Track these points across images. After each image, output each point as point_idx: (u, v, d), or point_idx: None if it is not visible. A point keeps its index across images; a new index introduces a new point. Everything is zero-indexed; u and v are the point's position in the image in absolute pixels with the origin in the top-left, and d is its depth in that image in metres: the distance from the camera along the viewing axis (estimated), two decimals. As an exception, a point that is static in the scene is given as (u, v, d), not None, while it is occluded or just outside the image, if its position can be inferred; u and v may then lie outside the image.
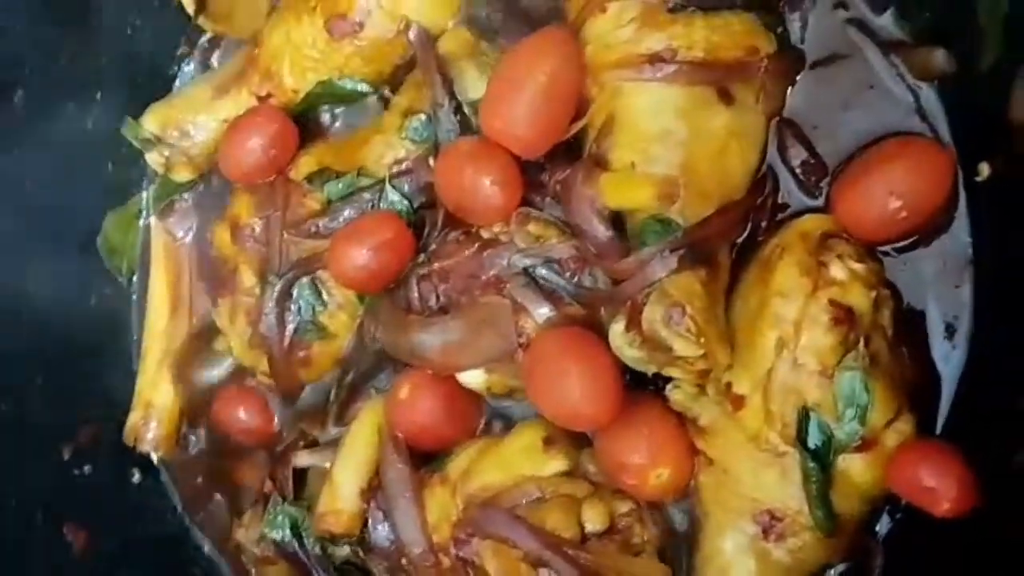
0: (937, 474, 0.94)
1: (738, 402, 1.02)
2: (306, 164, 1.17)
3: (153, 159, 1.28)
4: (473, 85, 1.13)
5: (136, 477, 1.32)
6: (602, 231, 1.02)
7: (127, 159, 1.33)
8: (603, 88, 1.07)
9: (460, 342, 1.06)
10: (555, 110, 1.04)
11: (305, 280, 1.16)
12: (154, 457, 1.32)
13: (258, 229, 1.18)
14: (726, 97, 1.05)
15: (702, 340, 0.97)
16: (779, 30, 1.09)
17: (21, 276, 1.22)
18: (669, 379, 1.05)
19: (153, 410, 1.29)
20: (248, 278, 1.19)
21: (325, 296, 1.16)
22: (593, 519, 1.03)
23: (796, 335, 0.98)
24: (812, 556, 1.02)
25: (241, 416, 1.24)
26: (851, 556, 1.05)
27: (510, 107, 1.03)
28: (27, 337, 1.23)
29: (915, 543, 1.05)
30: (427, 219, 1.11)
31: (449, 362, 1.07)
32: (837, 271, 0.99)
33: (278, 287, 1.16)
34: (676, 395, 1.06)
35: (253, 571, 1.24)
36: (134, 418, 1.29)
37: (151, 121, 1.27)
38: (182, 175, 1.28)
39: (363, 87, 1.21)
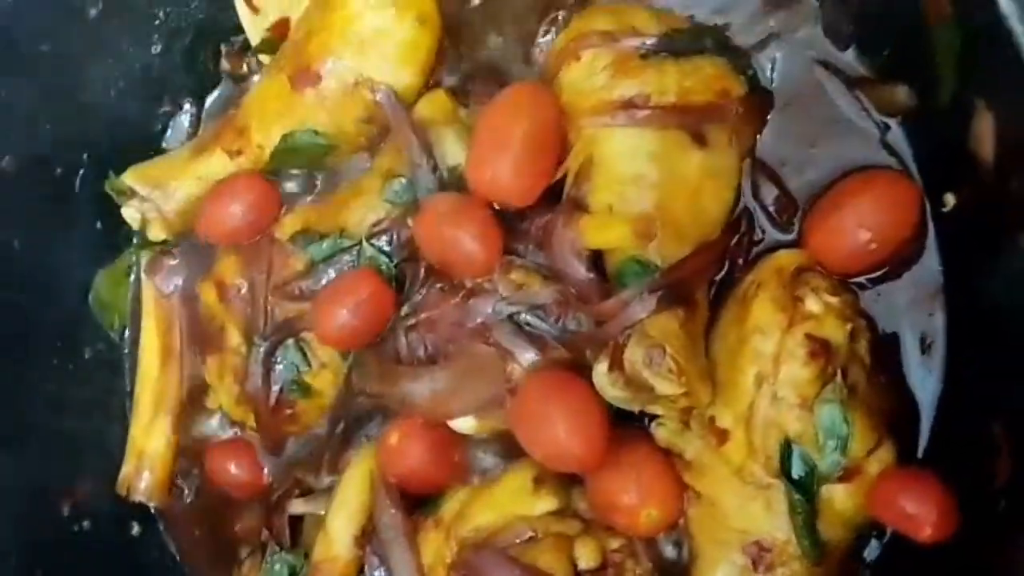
0: (917, 501, 0.96)
1: (722, 436, 1.04)
2: (291, 224, 1.19)
3: (129, 214, 1.30)
4: (451, 151, 1.16)
5: (135, 530, 1.33)
6: (583, 272, 1.05)
7: (116, 218, 1.34)
8: (580, 134, 1.10)
9: (449, 390, 1.07)
10: (541, 157, 1.07)
11: (290, 342, 1.18)
12: (151, 506, 1.32)
13: (243, 290, 1.20)
14: (699, 140, 1.08)
15: (683, 379, 0.99)
16: (749, 72, 1.12)
17: (17, 332, 1.24)
18: (655, 416, 1.08)
19: (146, 459, 1.29)
20: (235, 337, 1.21)
21: (310, 356, 1.18)
22: (586, 556, 1.05)
23: (775, 369, 1.00)
24: None
25: (232, 469, 1.25)
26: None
27: (496, 160, 1.05)
28: (23, 391, 1.24)
29: (901, 569, 1.07)
30: (408, 272, 1.12)
31: (439, 410, 1.09)
32: (812, 304, 1.02)
33: (263, 349, 1.17)
34: (661, 432, 1.08)
35: (252, 617, 1.25)
36: (127, 468, 1.30)
37: (131, 177, 1.29)
38: (156, 233, 1.30)
39: (321, 140, 1.22)
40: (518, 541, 1.06)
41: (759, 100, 1.12)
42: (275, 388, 1.18)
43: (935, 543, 0.96)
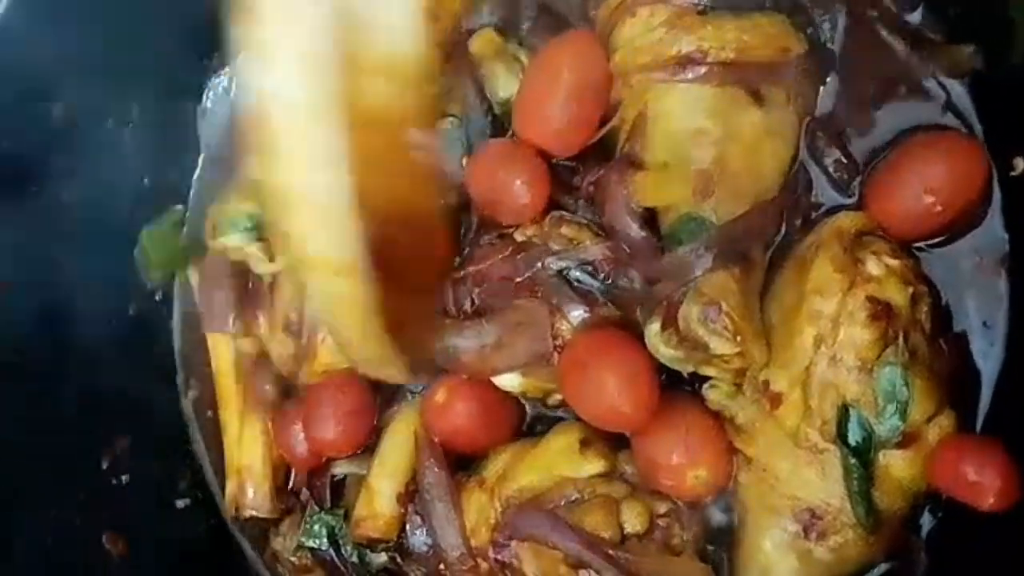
0: (981, 468, 0.93)
1: (776, 400, 1.01)
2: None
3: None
4: (503, 84, 1.15)
5: (180, 486, 1.32)
6: (636, 230, 1.04)
7: (163, 174, 1.34)
8: (633, 90, 1.08)
9: (495, 345, 1.06)
10: (585, 108, 1.07)
11: None
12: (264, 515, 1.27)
13: None
14: (757, 97, 1.06)
15: (738, 338, 0.97)
16: (809, 30, 1.09)
17: (59, 285, 1.23)
18: (705, 378, 1.06)
19: (246, 473, 1.26)
20: (287, 290, 1.21)
21: None
22: (632, 520, 1.03)
23: (834, 331, 0.98)
24: (854, 554, 1.01)
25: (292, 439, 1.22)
26: (894, 555, 1.04)
27: (541, 107, 1.06)
28: (65, 346, 1.23)
29: (958, 542, 1.04)
30: (462, 222, 1.12)
31: (485, 366, 1.07)
32: (873, 267, 0.99)
33: None
34: (712, 394, 1.06)
35: (289, 580, 1.24)
36: (230, 487, 1.26)
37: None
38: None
39: None
40: (563, 503, 1.05)
41: (819, 58, 1.09)
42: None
43: (996, 512, 0.93)
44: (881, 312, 0.97)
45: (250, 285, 1.28)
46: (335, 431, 1.15)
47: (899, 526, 1.02)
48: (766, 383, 1.02)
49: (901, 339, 0.97)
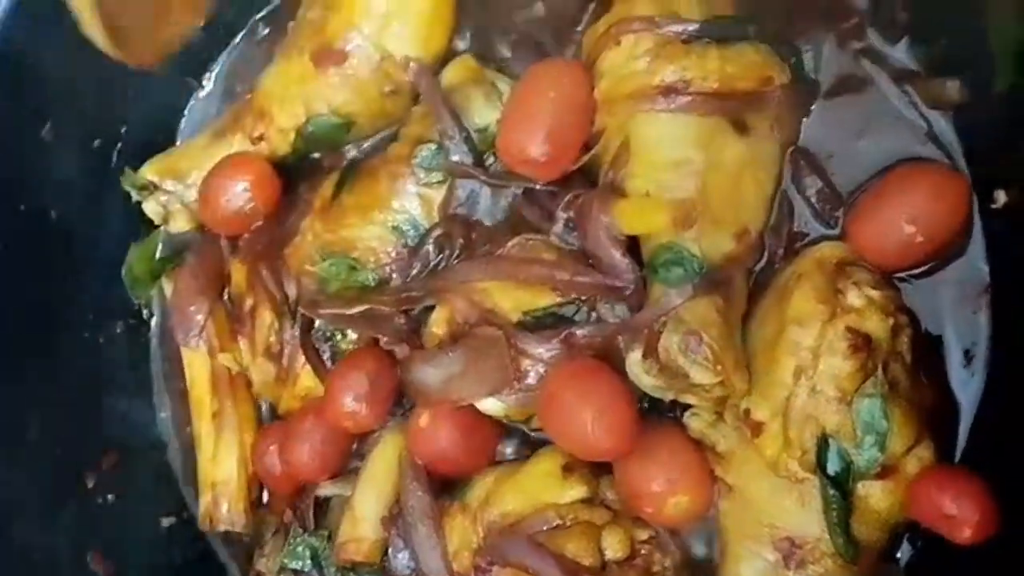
0: (958, 501, 0.94)
1: (756, 428, 1.02)
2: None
3: (151, 208, 1.28)
4: (480, 112, 1.15)
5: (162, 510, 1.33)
6: (618, 258, 1.04)
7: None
8: (617, 118, 1.08)
9: (461, 374, 1.06)
10: (568, 132, 1.07)
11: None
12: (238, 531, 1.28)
13: (268, 271, 1.21)
14: (740, 127, 1.06)
15: (719, 367, 0.97)
16: (792, 60, 1.10)
17: (50, 303, 1.24)
18: (687, 406, 1.06)
19: (220, 487, 1.26)
20: (267, 316, 1.21)
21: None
22: (613, 546, 1.04)
23: (814, 362, 0.99)
24: None
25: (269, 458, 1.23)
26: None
27: (523, 130, 1.06)
28: (52, 364, 1.24)
29: (936, 571, 1.05)
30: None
31: (452, 395, 1.07)
32: (854, 298, 1.00)
33: (299, 325, 1.18)
34: (694, 423, 1.06)
35: (272, 599, 1.24)
36: (204, 501, 1.27)
37: (149, 170, 1.27)
38: (179, 225, 1.29)
39: (339, 121, 1.21)
40: (545, 528, 1.05)
41: (803, 89, 1.11)
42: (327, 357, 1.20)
43: (973, 545, 0.94)
44: (861, 343, 0.98)
45: (229, 304, 1.29)
46: (310, 457, 1.16)
47: (878, 556, 1.03)
48: (747, 411, 1.03)
49: (881, 371, 0.98)
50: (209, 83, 1.37)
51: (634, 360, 1.01)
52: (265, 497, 1.30)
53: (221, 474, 1.26)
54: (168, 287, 1.32)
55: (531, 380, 1.05)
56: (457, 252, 1.13)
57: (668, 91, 1.06)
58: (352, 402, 1.10)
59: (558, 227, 1.09)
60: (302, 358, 1.19)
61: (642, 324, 1.01)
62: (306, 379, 1.20)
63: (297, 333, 1.19)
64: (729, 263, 1.03)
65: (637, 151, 1.06)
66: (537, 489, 1.07)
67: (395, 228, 1.16)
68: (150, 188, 1.27)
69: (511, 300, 1.08)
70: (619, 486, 1.06)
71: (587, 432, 0.98)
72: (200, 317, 1.27)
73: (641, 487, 1.03)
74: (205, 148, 1.27)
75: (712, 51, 1.07)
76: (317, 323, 1.19)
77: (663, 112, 1.06)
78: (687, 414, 1.07)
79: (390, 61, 1.18)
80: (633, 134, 1.07)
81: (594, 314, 1.06)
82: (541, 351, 1.04)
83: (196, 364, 1.29)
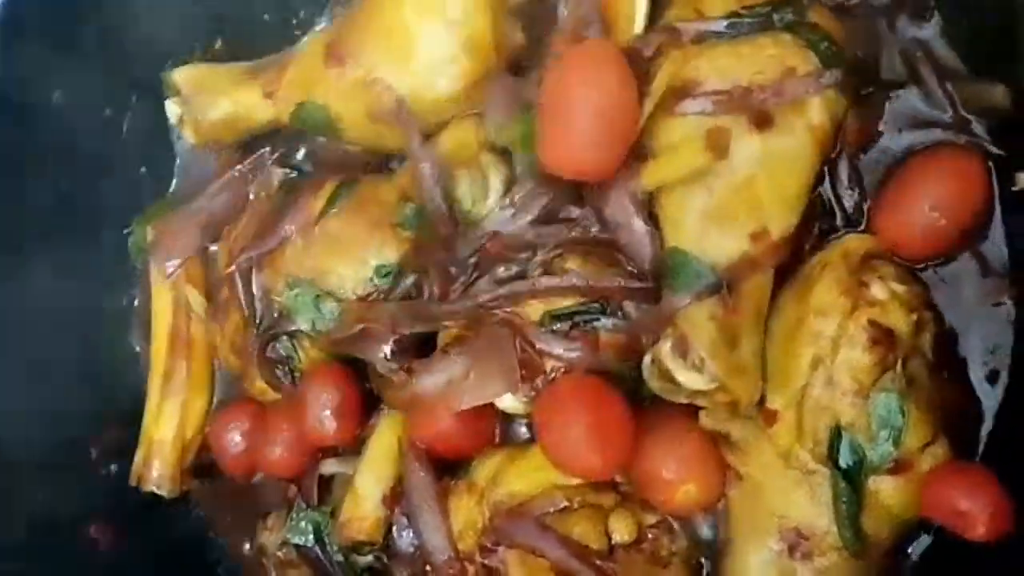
0: (972, 497, 0.93)
1: (771, 417, 1.01)
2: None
3: (170, 109, 1.29)
4: (466, 195, 1.10)
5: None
6: (639, 224, 1.01)
7: (160, 163, 1.35)
8: None
9: (463, 376, 1.04)
10: (616, 126, 0.97)
11: (284, 337, 1.19)
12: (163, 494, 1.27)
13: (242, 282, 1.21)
14: (761, 122, 1.01)
15: (714, 374, 0.95)
16: (822, 47, 1.04)
17: (57, 273, 1.23)
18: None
19: (155, 448, 1.26)
20: (235, 315, 1.22)
21: (300, 353, 1.19)
22: (620, 530, 1.03)
23: (833, 353, 0.98)
24: None
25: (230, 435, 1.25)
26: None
27: (567, 139, 0.97)
28: (57, 337, 1.23)
29: (945, 570, 1.05)
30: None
31: (455, 399, 1.04)
32: (878, 291, 0.99)
33: (257, 343, 1.19)
34: (706, 420, 1.05)
35: (274, 574, 1.23)
36: (138, 458, 1.26)
37: (181, 75, 1.28)
38: (187, 134, 1.29)
39: (326, 117, 1.19)
40: (552, 510, 1.04)
41: (844, 76, 1.03)
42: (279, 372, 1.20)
43: (986, 542, 0.93)
44: (882, 337, 0.97)
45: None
46: (280, 459, 1.19)
47: (886, 553, 1.02)
48: (762, 400, 1.02)
49: (900, 366, 0.97)
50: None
51: (645, 364, 1.01)
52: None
53: (158, 434, 1.26)
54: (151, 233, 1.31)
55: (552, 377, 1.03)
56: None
57: (680, 95, 1.01)
58: (326, 417, 1.13)
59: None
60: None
61: (647, 328, 0.99)
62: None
63: (256, 348, 1.19)
64: (743, 265, 0.99)
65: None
66: (545, 471, 1.05)
67: (370, 276, 1.14)
68: (175, 91, 1.28)
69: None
70: (630, 472, 1.05)
71: (574, 452, 0.98)
72: (186, 246, 1.27)
73: (652, 473, 1.02)
74: (233, 80, 1.27)
75: (721, 47, 1.03)
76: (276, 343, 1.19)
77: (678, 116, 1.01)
78: (701, 412, 1.05)
79: (378, 86, 1.13)
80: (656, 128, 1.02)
81: (620, 313, 1.03)
82: (562, 351, 1.02)
83: (162, 313, 1.29)
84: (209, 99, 1.26)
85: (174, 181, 1.38)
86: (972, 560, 0.98)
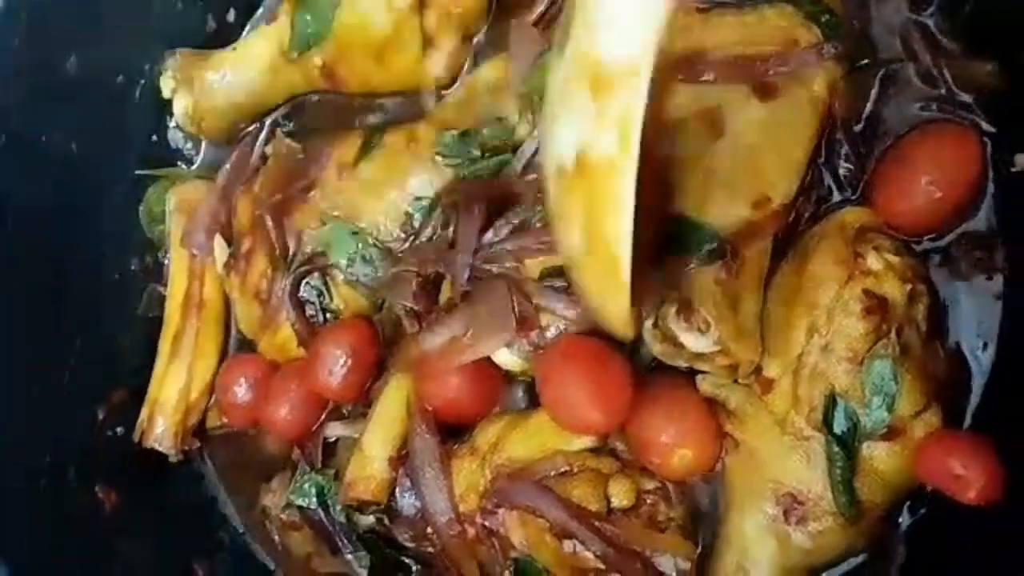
0: (966, 462, 0.96)
1: (767, 385, 1.03)
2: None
3: (166, 85, 1.30)
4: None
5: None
6: None
7: (171, 132, 1.37)
8: None
9: (464, 333, 1.07)
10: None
11: (316, 274, 1.21)
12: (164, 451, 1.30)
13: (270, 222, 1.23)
14: (765, 92, 1.05)
15: (716, 337, 0.98)
16: (824, 19, 1.07)
17: (66, 238, 1.24)
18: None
19: (159, 407, 1.28)
20: (261, 262, 1.23)
21: (333, 291, 1.21)
22: (619, 494, 1.05)
23: (828, 321, 1.00)
24: (832, 542, 1.03)
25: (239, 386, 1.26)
26: (872, 547, 1.06)
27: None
28: (67, 298, 1.25)
29: (936, 539, 1.06)
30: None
31: (458, 355, 1.08)
32: (873, 261, 1.01)
33: (289, 282, 1.20)
34: (705, 384, 1.07)
35: (277, 536, 1.25)
36: (143, 416, 1.28)
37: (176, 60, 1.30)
38: (178, 104, 1.30)
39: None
40: (553, 474, 1.06)
41: (845, 48, 1.07)
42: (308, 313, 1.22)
43: (977, 505, 0.95)
44: (876, 307, 0.99)
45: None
46: (288, 417, 1.20)
47: (879, 519, 1.04)
48: (759, 368, 1.04)
49: (894, 334, 0.99)
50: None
51: (646, 327, 1.02)
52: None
53: (164, 394, 1.29)
54: (171, 200, 1.33)
55: (551, 334, 1.06)
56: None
57: (684, 63, 1.05)
58: (334, 374, 1.15)
59: None
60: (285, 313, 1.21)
61: (652, 292, 1.01)
62: (287, 330, 1.23)
63: (288, 287, 1.20)
64: (745, 231, 1.02)
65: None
66: (547, 435, 1.08)
67: (406, 212, 1.17)
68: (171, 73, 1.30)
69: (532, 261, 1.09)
70: (628, 436, 1.07)
71: (575, 408, 1.00)
72: (207, 227, 1.29)
73: (649, 438, 1.04)
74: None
75: (729, 17, 1.06)
76: (308, 280, 1.21)
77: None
78: (699, 376, 1.07)
79: None
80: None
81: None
82: (561, 306, 1.05)
83: (178, 276, 1.31)
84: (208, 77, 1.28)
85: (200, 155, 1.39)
86: (961, 528, 1.01)
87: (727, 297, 1.00)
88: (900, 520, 1.08)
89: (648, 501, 1.05)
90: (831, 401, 1.00)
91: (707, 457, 1.06)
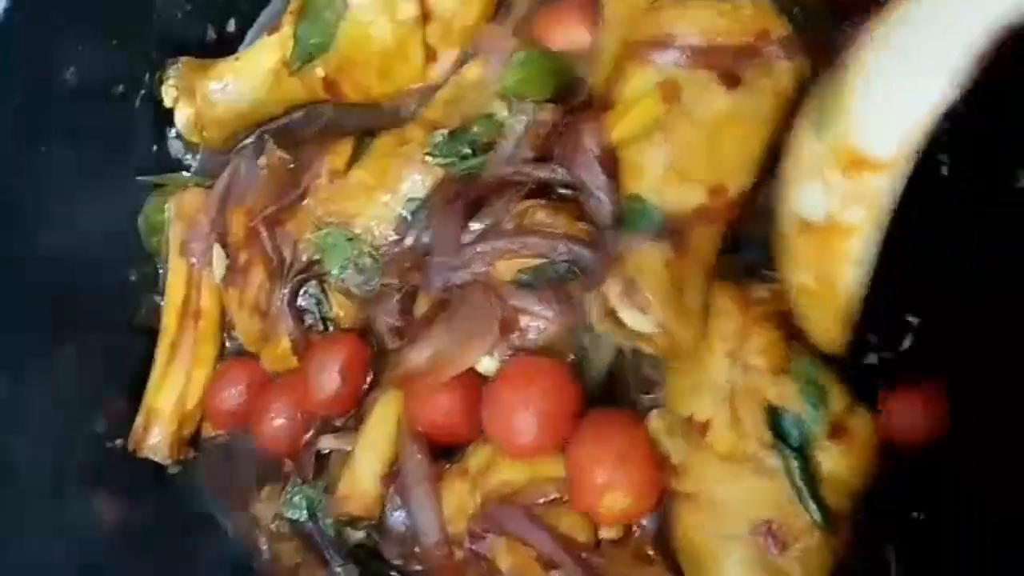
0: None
1: (703, 428, 1.02)
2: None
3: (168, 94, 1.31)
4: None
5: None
6: (599, 174, 1.05)
7: (171, 142, 1.38)
8: (612, 47, 1.10)
9: (446, 345, 1.07)
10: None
11: (314, 282, 1.21)
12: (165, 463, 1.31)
13: (267, 232, 1.24)
14: (730, 80, 1.02)
15: (659, 317, 0.97)
16: (795, 10, 1.04)
17: (64, 247, 1.25)
18: (655, 406, 1.07)
19: (155, 416, 1.29)
20: (259, 274, 1.24)
21: (330, 296, 1.22)
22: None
23: (741, 342, 1.01)
24: (821, 559, 0.99)
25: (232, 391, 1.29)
26: (864, 560, 1.04)
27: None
28: (64, 306, 1.26)
29: (930, 546, 1.06)
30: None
31: (444, 369, 1.07)
32: (758, 290, 1.04)
33: (287, 291, 1.21)
34: (653, 423, 1.05)
35: (265, 546, 1.26)
36: (138, 423, 1.30)
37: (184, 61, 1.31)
38: (180, 112, 1.31)
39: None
40: (543, 501, 1.05)
41: (811, 43, 1.03)
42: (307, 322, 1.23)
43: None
44: (774, 315, 1.01)
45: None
46: (278, 432, 1.22)
47: (857, 525, 1.01)
48: (690, 418, 1.03)
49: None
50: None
51: (590, 299, 1.03)
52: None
53: (159, 402, 1.30)
54: (170, 208, 1.35)
55: (532, 336, 1.06)
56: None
57: (654, 46, 1.04)
58: (325, 388, 1.16)
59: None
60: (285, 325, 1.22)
61: (602, 271, 1.01)
62: (287, 341, 1.23)
63: (286, 296, 1.21)
64: (696, 216, 1.01)
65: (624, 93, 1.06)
66: (538, 460, 1.06)
67: (399, 214, 1.17)
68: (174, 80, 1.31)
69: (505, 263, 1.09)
70: (567, 472, 1.05)
71: (506, 427, 1.02)
72: (203, 236, 1.31)
73: (584, 474, 1.02)
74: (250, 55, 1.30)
75: (704, 4, 1.04)
76: (306, 289, 1.22)
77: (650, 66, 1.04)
78: (653, 412, 1.05)
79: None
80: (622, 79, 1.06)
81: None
82: (539, 307, 1.05)
83: (174, 289, 1.33)
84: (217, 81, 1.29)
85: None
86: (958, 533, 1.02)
87: (671, 278, 0.99)
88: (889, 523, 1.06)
89: (637, 533, 1.05)
90: (774, 414, 0.99)
91: (639, 505, 1.02)
